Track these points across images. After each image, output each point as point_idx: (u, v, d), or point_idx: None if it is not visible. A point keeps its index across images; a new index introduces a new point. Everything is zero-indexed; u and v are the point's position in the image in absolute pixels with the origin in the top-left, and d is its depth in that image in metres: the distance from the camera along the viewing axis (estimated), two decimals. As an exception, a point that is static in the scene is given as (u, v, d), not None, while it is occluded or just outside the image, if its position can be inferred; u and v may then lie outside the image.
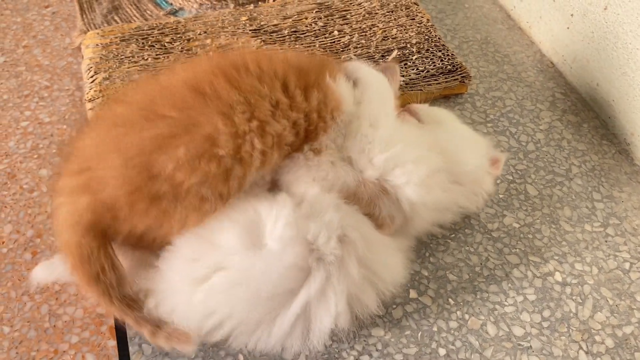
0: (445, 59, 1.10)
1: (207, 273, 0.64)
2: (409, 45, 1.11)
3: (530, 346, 0.79)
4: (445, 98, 1.10)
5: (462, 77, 1.07)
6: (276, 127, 0.66)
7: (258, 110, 0.65)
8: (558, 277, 0.86)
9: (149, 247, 0.67)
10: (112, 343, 0.76)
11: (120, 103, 0.67)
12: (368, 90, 0.78)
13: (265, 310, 0.66)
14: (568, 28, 1.14)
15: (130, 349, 0.75)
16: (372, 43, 1.11)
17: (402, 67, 1.08)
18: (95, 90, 0.98)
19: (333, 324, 0.69)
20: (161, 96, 0.64)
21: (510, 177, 0.98)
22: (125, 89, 0.71)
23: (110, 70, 1.02)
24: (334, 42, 1.11)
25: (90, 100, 0.97)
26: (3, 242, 0.85)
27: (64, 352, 0.75)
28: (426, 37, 1.13)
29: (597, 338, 0.80)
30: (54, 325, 0.77)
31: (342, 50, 1.10)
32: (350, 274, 0.69)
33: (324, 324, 0.68)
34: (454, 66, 1.09)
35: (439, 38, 1.14)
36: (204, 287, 0.64)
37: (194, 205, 0.62)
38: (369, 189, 0.74)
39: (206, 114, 0.62)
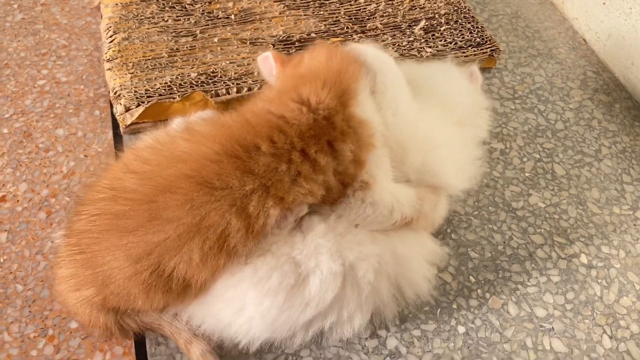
0: (474, 31, 1.06)
1: (250, 307, 0.64)
2: (437, 16, 1.07)
3: (553, 328, 0.77)
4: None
5: (491, 50, 1.03)
6: (296, 193, 0.63)
7: (275, 189, 0.61)
8: (584, 259, 0.84)
9: None
10: (126, 306, 0.74)
11: (119, 200, 0.61)
12: (382, 78, 0.75)
13: (297, 328, 0.67)
14: (604, 4, 1.09)
15: (144, 312, 0.74)
16: (398, 12, 1.07)
17: (429, 38, 1.04)
18: (113, 50, 0.96)
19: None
20: (162, 194, 0.59)
21: (537, 156, 0.95)
22: (121, 178, 0.63)
23: (129, 30, 0.99)
24: (360, 9, 1.07)
25: (108, 60, 0.95)
26: (18, 201, 0.84)
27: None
28: (455, 8, 1.09)
29: (622, 323, 0.77)
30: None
31: (368, 19, 1.06)
32: (380, 295, 0.70)
33: (344, 334, 0.71)
34: (483, 39, 1.05)
35: (468, 10, 1.09)
36: (245, 318, 0.65)
37: (208, 285, 0.63)
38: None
39: (217, 210, 0.59)
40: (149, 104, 0.89)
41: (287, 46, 1.00)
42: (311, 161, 0.63)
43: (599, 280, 0.81)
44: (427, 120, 0.75)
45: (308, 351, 0.73)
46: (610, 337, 0.76)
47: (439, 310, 0.77)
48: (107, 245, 0.61)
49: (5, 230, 0.81)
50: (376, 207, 0.68)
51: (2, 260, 0.78)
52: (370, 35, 1.03)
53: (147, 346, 0.72)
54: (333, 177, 0.66)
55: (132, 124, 0.90)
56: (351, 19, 1.06)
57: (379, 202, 0.68)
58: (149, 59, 0.95)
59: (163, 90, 0.90)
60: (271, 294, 0.63)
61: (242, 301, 0.64)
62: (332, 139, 0.65)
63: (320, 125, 0.64)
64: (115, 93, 0.90)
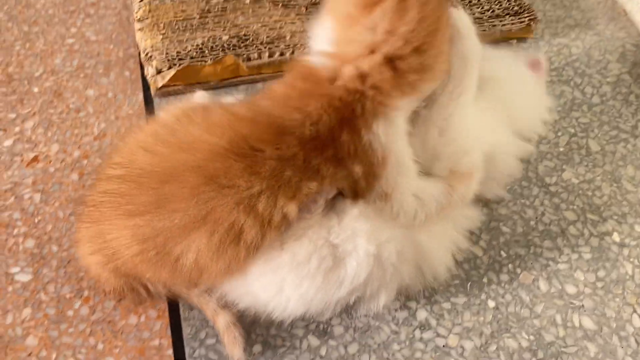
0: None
1: (288, 289, 0.65)
2: (474, -18, 1.04)
3: (583, 305, 0.77)
4: (507, 41, 1.04)
5: (529, 19, 1.00)
6: (308, 190, 0.62)
7: (284, 191, 0.60)
8: (616, 237, 0.83)
9: None
10: (159, 270, 0.75)
11: (127, 181, 0.61)
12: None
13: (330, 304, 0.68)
14: (648, -27, 1.05)
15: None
16: (434, -23, 1.04)
17: (466, 5, 1.01)
18: (144, 10, 0.94)
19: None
20: (170, 182, 0.59)
21: (572, 130, 0.94)
22: (133, 153, 0.63)
23: (159, -11, 0.97)
24: (395, -27, 1.04)
25: (139, 20, 0.93)
26: (50, 162, 0.84)
27: (111, 275, 0.75)
28: (493, -26, 1.06)
29: (653, 302, 0.78)
30: (102, 248, 0.77)
31: (403, -17, 1.03)
32: (401, 276, 0.70)
33: (370, 310, 0.72)
34: (521, 7, 1.02)
35: (506, -24, 1.06)
36: (283, 298, 0.65)
37: (221, 269, 0.62)
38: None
39: (224, 207, 0.58)
40: (181, 66, 0.88)
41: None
42: (315, 170, 0.62)
43: (631, 259, 0.81)
44: (477, 126, 0.73)
45: (339, 320, 0.74)
46: (640, 316, 0.76)
47: (469, 284, 0.77)
48: (115, 223, 0.61)
49: (39, 191, 0.81)
50: (398, 214, 0.68)
51: (36, 221, 0.79)
52: (405, 1, 1.01)
53: (181, 310, 0.73)
54: (345, 182, 0.65)
55: (163, 86, 0.89)
56: (386, -18, 1.03)
57: (400, 211, 0.68)
58: (180, 20, 0.93)
59: (195, 53, 0.89)
60: (310, 276, 0.64)
61: (280, 284, 0.65)
62: (338, 154, 0.63)
63: (323, 139, 0.62)
64: (146, 54, 0.89)
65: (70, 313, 0.72)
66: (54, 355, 0.69)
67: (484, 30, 0.98)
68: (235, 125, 0.61)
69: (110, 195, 0.62)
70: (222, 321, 0.69)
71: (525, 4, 1.02)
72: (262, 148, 0.59)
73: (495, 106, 0.74)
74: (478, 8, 1.01)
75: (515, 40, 1.03)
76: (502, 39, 1.02)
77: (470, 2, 1.01)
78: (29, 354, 0.69)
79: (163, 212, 0.58)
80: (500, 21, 0.99)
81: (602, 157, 0.91)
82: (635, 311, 0.77)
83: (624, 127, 0.95)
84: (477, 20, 0.99)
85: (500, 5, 1.01)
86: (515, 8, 1.01)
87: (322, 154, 0.61)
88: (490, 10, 1.01)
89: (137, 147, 0.63)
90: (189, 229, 0.58)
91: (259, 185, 0.58)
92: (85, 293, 0.73)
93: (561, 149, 0.91)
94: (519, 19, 1.00)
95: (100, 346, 0.70)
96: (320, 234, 0.65)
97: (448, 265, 0.75)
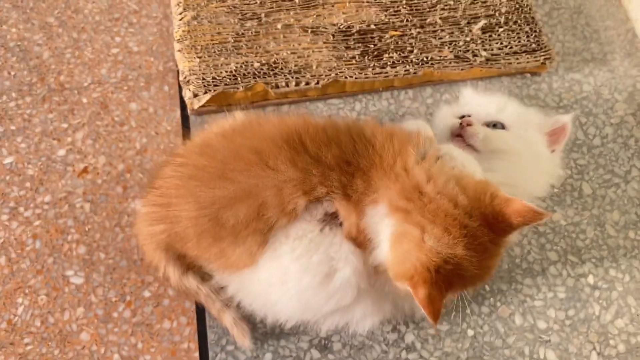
0: (531, 35, 1.07)
1: (281, 294, 0.75)
2: (497, 14, 1.08)
3: (550, 340, 0.89)
4: (521, 74, 1.09)
5: (544, 58, 1.05)
6: (319, 192, 0.70)
7: (303, 185, 0.70)
8: (591, 279, 0.94)
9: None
10: (190, 282, 0.89)
11: (204, 156, 0.74)
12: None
13: (326, 314, 0.79)
14: (669, 14, 1.08)
15: (204, 288, 0.88)
16: (460, 6, 1.08)
17: (486, 40, 1.06)
18: (183, 30, 1.02)
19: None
20: (234, 159, 0.71)
21: (569, 172, 1.02)
22: (211, 139, 0.77)
23: (198, 8, 1.04)
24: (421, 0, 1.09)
25: (178, 41, 1.01)
26: (98, 174, 0.96)
27: (150, 283, 0.89)
28: (517, 5, 1.09)
29: (612, 342, 0.89)
30: (142, 258, 0.90)
31: (429, 11, 1.08)
32: (383, 309, 0.81)
33: (357, 330, 0.83)
34: (538, 45, 1.06)
35: (529, 8, 1.10)
36: (278, 300, 0.76)
37: (249, 249, 0.72)
38: None
39: (264, 186, 0.70)
40: (215, 92, 0.96)
41: (346, 37, 1.04)
42: (332, 181, 0.71)
43: (600, 301, 0.92)
44: None
45: (338, 337, 0.87)
46: (598, 354, 0.88)
47: (453, 314, 0.90)
48: (183, 191, 0.74)
49: (88, 201, 0.94)
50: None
51: (87, 229, 0.92)
52: (428, 31, 1.06)
53: (207, 319, 0.87)
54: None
55: (198, 107, 0.98)
56: (412, 9, 1.08)
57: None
58: (215, 43, 1.01)
59: (228, 80, 0.98)
60: (310, 272, 0.73)
61: (284, 273, 0.75)
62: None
63: (357, 170, 0.72)
64: (184, 78, 0.98)
65: (115, 315, 0.86)
66: (102, 350, 0.84)
67: (500, 67, 1.04)
68: (299, 124, 0.73)
69: (187, 166, 0.76)
70: (228, 318, 0.82)
71: (544, 41, 1.07)
72: (309, 146, 0.71)
73: (503, 177, 0.79)
74: (497, 44, 1.06)
75: (529, 74, 1.09)
76: (516, 73, 1.08)
77: (490, 36, 1.06)
78: (83, 347, 0.84)
79: (223, 182, 0.71)
80: (516, 59, 1.05)
81: (592, 201, 1.00)
82: (594, 348, 0.89)
83: (618, 171, 1.03)
84: (494, 57, 1.04)
85: (519, 42, 1.06)
86: (533, 45, 1.06)
87: (349, 176, 0.71)
88: (509, 47, 1.06)
89: (214, 134, 0.78)
90: (237, 200, 0.71)
91: (292, 174, 0.70)
92: (128, 298, 0.87)
93: (555, 190, 1.00)
94: (534, 57, 1.05)
95: (139, 345, 0.85)
96: (323, 241, 0.73)
97: None
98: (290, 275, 0.73)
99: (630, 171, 1.03)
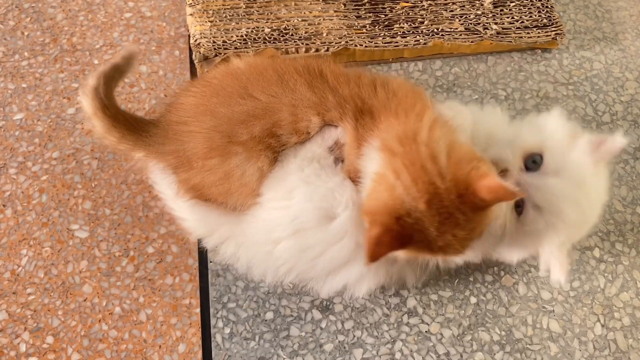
0: (543, 10, 1.07)
1: (283, 236, 0.75)
2: (509, -11, 1.09)
3: (553, 310, 0.88)
4: (531, 50, 1.09)
5: (555, 34, 1.05)
6: (334, 116, 0.72)
7: (318, 107, 0.72)
8: (596, 253, 0.93)
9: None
10: (194, 239, 0.89)
11: (228, 77, 0.75)
12: None
13: (324, 269, 0.78)
14: (683, -6, 1.07)
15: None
16: (471, -20, 1.09)
17: (497, 14, 1.06)
18: (195, -5, 1.02)
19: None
20: (258, 79, 0.73)
21: (577, 147, 1.01)
22: (236, 66, 0.77)
23: (211, -26, 1.05)
24: (433, -27, 1.09)
25: (190, 5, 1.02)
26: (106, 132, 0.96)
27: (154, 240, 0.89)
28: (529, -19, 1.09)
29: (616, 315, 0.88)
30: (147, 215, 0.90)
31: (440, -15, 1.08)
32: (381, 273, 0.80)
33: (354, 294, 0.83)
34: (550, 20, 1.06)
35: (542, -15, 1.10)
36: (280, 247, 0.75)
37: (259, 168, 0.72)
38: None
39: (280, 103, 0.71)
40: (225, 55, 0.97)
41: (357, 6, 1.05)
42: (345, 109, 0.72)
43: (606, 274, 0.91)
44: None
45: (340, 299, 0.87)
46: (602, 326, 0.87)
47: (456, 281, 0.89)
48: (203, 109, 0.74)
49: (96, 158, 0.94)
50: None
51: (93, 185, 0.92)
52: (440, 3, 1.06)
53: (209, 276, 0.87)
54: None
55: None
56: (422, -18, 1.08)
57: None
58: (227, 8, 1.02)
59: (238, 44, 0.98)
60: (314, 200, 0.73)
61: (289, 193, 0.74)
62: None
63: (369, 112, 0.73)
64: (195, 40, 0.98)
65: (118, 269, 0.87)
66: (104, 303, 0.84)
67: (510, 42, 1.04)
68: (324, 62, 0.76)
69: (207, 88, 0.76)
70: None
71: (555, 17, 1.06)
72: (329, 78, 0.73)
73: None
74: (508, 18, 1.05)
75: (540, 50, 1.09)
76: (527, 48, 1.08)
77: (502, 10, 1.06)
78: (85, 299, 0.84)
79: (242, 99, 0.72)
80: (527, 33, 1.05)
81: (600, 175, 0.99)
82: (599, 320, 0.88)
83: (627, 148, 1.02)
84: (505, 31, 1.04)
85: (531, 16, 1.06)
86: (544, 21, 1.06)
87: (360, 112, 0.72)
88: (520, 21, 1.05)
89: (240, 62, 0.78)
90: (253, 116, 0.72)
91: (308, 95, 0.71)
92: (131, 253, 0.88)
93: (563, 164, 0.99)
94: (545, 32, 1.05)
95: (141, 299, 0.85)
96: (332, 175, 0.73)
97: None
98: (295, 195, 0.73)
99: (639, 148, 1.02)
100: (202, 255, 0.89)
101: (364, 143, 0.69)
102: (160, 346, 0.82)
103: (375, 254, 0.63)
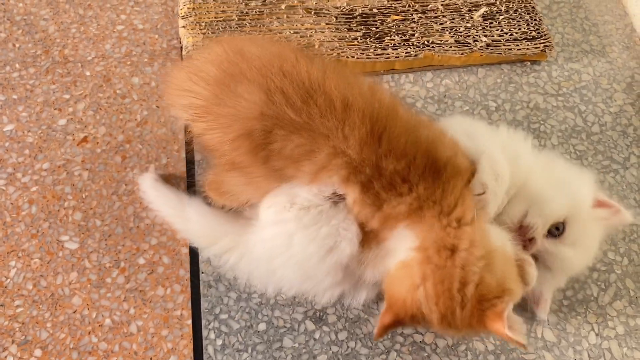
0: (532, 23, 1.09)
1: (285, 267, 0.75)
2: (498, 2, 1.10)
3: (547, 319, 0.88)
4: (521, 62, 1.10)
5: (544, 46, 1.07)
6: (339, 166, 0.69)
7: (353, 172, 0.68)
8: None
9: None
10: (185, 250, 0.88)
11: (306, 64, 0.71)
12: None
13: (327, 286, 0.78)
14: (667, 8, 1.09)
15: (200, 257, 0.87)
16: (462, -7, 1.10)
17: (487, 26, 1.07)
18: (188, 7, 1.03)
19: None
20: (322, 96, 0.68)
21: (568, 157, 1.02)
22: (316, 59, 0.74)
23: (203, -13, 1.06)
24: (424, -13, 1.11)
25: (183, 18, 1.02)
26: (98, 143, 0.96)
27: (145, 251, 0.88)
28: (518, -6, 1.11)
29: (610, 323, 0.88)
30: (137, 226, 0.89)
31: (430, -2, 1.10)
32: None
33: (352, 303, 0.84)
34: (539, 33, 1.08)
35: (530, -2, 1.12)
36: (280, 267, 0.75)
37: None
38: None
39: (326, 140, 0.67)
40: (217, 66, 0.97)
41: (348, 19, 1.06)
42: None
43: (599, 283, 0.91)
44: None
45: (334, 309, 0.86)
46: (597, 335, 0.87)
47: (450, 290, 0.89)
48: (260, 79, 0.69)
49: (87, 169, 0.93)
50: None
51: (84, 196, 0.91)
52: (430, 16, 1.07)
53: (201, 287, 0.86)
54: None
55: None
56: (414, -5, 1.09)
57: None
58: (220, 21, 1.02)
59: (231, 55, 0.98)
60: (317, 242, 0.72)
61: (289, 241, 0.73)
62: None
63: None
64: (188, 52, 0.99)
65: (108, 280, 0.85)
66: (94, 315, 0.83)
67: (500, 54, 1.05)
68: (390, 113, 0.71)
69: (279, 59, 0.71)
70: None
71: (544, 30, 1.08)
72: (383, 144, 0.68)
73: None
74: (497, 30, 1.07)
75: (529, 62, 1.10)
76: (517, 60, 1.09)
77: (491, 23, 1.08)
78: (74, 311, 0.83)
79: (299, 107, 0.68)
80: (517, 45, 1.06)
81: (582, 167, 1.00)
82: (593, 329, 0.88)
83: (616, 157, 1.03)
84: (494, 43, 1.06)
85: (519, 29, 1.08)
86: (533, 33, 1.07)
87: (395, 194, 0.69)
88: (509, 34, 1.07)
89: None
90: (297, 132, 0.68)
91: (353, 154, 0.67)
92: (122, 264, 0.87)
93: (554, 174, 1.00)
94: (534, 44, 1.06)
95: (132, 311, 0.83)
96: (334, 214, 0.72)
97: None
98: (296, 241, 0.73)
99: (628, 158, 1.03)
100: (194, 266, 0.88)
101: (391, 221, 0.69)
102: (151, 358, 0.80)
103: (383, 335, 0.73)
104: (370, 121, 0.68)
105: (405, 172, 0.68)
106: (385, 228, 0.71)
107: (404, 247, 0.70)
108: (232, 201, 0.79)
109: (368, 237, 0.73)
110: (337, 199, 0.73)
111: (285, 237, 0.74)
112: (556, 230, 0.78)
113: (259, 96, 0.68)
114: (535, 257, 0.78)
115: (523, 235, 0.77)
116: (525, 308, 0.83)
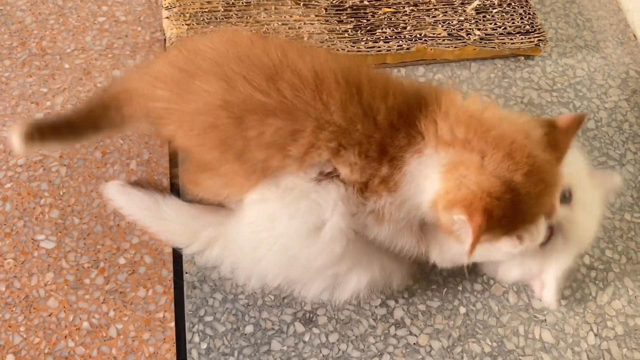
0: (525, 17, 1.06)
1: (269, 253, 0.71)
2: (491, -4, 1.08)
3: (545, 320, 0.85)
4: (514, 57, 1.08)
5: (538, 40, 1.04)
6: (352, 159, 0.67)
7: (344, 139, 0.65)
8: (586, 259, 0.90)
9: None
10: (168, 249, 0.84)
11: (259, 46, 0.68)
12: None
13: (309, 276, 0.75)
14: (662, 2, 1.08)
15: (184, 257, 0.83)
16: (453, -14, 1.08)
17: (480, 20, 1.05)
18: (172, -2, 0.99)
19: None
20: (291, 70, 0.65)
21: (563, 153, 0.99)
22: (271, 38, 0.71)
23: (188, -23, 1.02)
24: (415, -21, 1.08)
25: (167, 8, 0.99)
26: (76, 138, 0.91)
27: (125, 250, 0.84)
28: (511, -12, 1.09)
29: (609, 324, 0.85)
30: (118, 225, 0.85)
31: (422, -9, 1.07)
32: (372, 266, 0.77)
33: (346, 294, 0.78)
34: (532, 27, 1.05)
35: (523, -8, 1.09)
36: (265, 253, 0.71)
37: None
38: None
39: (307, 115, 0.64)
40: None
41: (338, 11, 1.03)
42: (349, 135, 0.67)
43: (597, 282, 0.88)
44: None
45: (324, 310, 0.82)
46: (596, 335, 0.84)
47: (445, 290, 0.85)
48: (218, 69, 0.66)
49: (65, 165, 0.89)
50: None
51: (61, 193, 0.87)
52: (422, 9, 1.05)
53: (185, 288, 0.82)
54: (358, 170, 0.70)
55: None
56: (405, -12, 1.07)
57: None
58: (205, 12, 0.99)
59: (216, 47, 0.95)
60: (298, 218, 0.69)
61: (272, 220, 0.70)
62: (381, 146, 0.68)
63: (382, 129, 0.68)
64: (171, 44, 0.95)
65: (87, 281, 0.81)
66: (71, 317, 0.78)
67: (493, 48, 1.03)
68: (365, 67, 0.70)
69: (232, 47, 0.68)
70: None
71: (537, 24, 1.06)
72: (364, 93, 0.66)
73: None
74: (491, 24, 1.04)
75: (523, 57, 1.08)
76: (510, 55, 1.07)
77: (484, 17, 1.05)
78: (50, 314, 0.78)
79: (268, 86, 0.64)
80: (510, 39, 1.04)
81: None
82: (592, 329, 0.85)
83: (613, 154, 1.00)
84: (488, 37, 1.03)
85: (513, 23, 1.05)
86: (527, 27, 1.05)
87: (394, 131, 0.66)
88: (503, 28, 1.04)
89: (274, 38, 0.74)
90: (273, 114, 0.65)
91: (338, 120, 0.64)
92: (101, 264, 0.82)
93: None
94: (528, 38, 1.04)
95: (111, 313, 0.79)
96: (310, 188, 0.69)
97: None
98: (278, 220, 0.69)
99: (625, 154, 1.01)
100: (177, 266, 0.84)
101: (397, 159, 0.66)
102: (131, 363, 0.76)
103: (480, 240, 0.62)
104: (344, 78, 0.65)
105: (398, 105, 0.66)
106: (395, 169, 0.66)
107: (430, 163, 0.65)
108: (212, 197, 0.75)
109: (369, 189, 0.68)
110: (323, 178, 0.69)
111: (266, 218, 0.70)
112: (565, 198, 0.77)
113: (218, 84, 0.65)
114: (551, 231, 0.76)
115: None
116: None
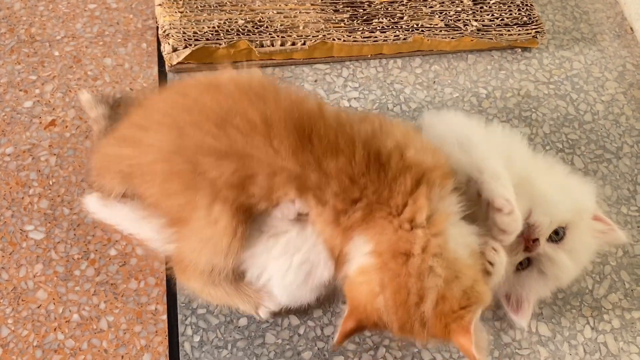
0: (523, 8, 1.05)
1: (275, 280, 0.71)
2: (488, -13, 1.07)
3: (542, 313, 0.84)
4: (511, 49, 1.07)
5: (535, 32, 1.03)
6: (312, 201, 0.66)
7: (301, 183, 0.64)
8: (583, 253, 0.90)
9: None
10: (160, 241, 0.82)
11: (209, 96, 0.68)
12: None
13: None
14: (659, -5, 1.07)
15: (176, 249, 0.82)
16: (450, -23, 1.06)
17: (477, 11, 1.04)
18: (165, -14, 0.97)
19: None
20: (241, 117, 0.65)
21: (560, 146, 0.99)
22: (223, 84, 0.70)
23: (181, -35, 1.00)
24: (412, -30, 1.07)
25: (160, 5, 0.96)
26: (67, 127, 0.89)
27: (117, 241, 0.82)
28: (509, -20, 1.08)
29: (606, 317, 0.85)
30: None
31: (419, -19, 1.06)
32: None
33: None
34: (530, 18, 1.04)
35: (521, -17, 1.08)
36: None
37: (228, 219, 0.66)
38: None
39: (259, 161, 0.63)
40: (196, 47, 0.92)
41: (334, 1, 1.01)
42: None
43: (593, 275, 0.88)
44: None
45: (319, 304, 0.81)
46: (592, 328, 0.84)
47: (441, 283, 0.85)
48: (170, 121, 0.68)
49: (55, 154, 0.87)
50: None
51: (51, 183, 0.85)
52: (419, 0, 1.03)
53: (177, 280, 0.80)
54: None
55: (177, 63, 0.93)
56: (402, -21, 1.05)
57: None
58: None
59: (210, 35, 0.93)
60: (292, 272, 0.69)
61: (266, 273, 0.71)
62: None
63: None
64: (164, 31, 0.93)
65: (77, 272, 0.79)
66: (60, 310, 0.77)
67: (491, 39, 1.02)
68: (315, 116, 0.67)
69: (183, 99, 0.70)
70: None
71: (535, 16, 1.05)
72: (315, 145, 0.64)
73: None
74: (488, 15, 1.03)
75: (520, 49, 1.07)
76: (507, 47, 1.06)
77: (482, 8, 1.04)
78: (39, 306, 0.76)
79: (218, 132, 0.65)
80: (508, 30, 1.02)
81: (584, 175, 0.96)
82: (588, 323, 0.84)
83: (609, 147, 1.00)
84: (485, 28, 1.02)
85: (510, 14, 1.04)
86: (524, 19, 1.04)
87: (347, 201, 0.65)
88: (500, 19, 1.03)
89: (227, 80, 0.71)
90: (226, 157, 0.65)
91: (291, 166, 0.63)
92: (92, 256, 0.80)
93: (546, 163, 0.97)
94: (525, 30, 1.03)
95: (102, 305, 0.77)
96: (303, 242, 0.69)
97: None
98: (271, 273, 0.70)
99: (621, 147, 1.00)
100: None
101: (349, 232, 0.65)
102: (122, 356, 0.74)
103: (344, 341, 0.69)
104: (295, 126, 0.64)
105: (349, 169, 0.64)
106: (345, 241, 0.66)
107: (360, 253, 0.65)
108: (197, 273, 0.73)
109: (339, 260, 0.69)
110: (305, 218, 0.68)
111: (259, 270, 0.71)
112: (556, 235, 0.74)
113: (170, 134, 0.67)
114: (529, 261, 0.75)
115: (527, 234, 0.72)
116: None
